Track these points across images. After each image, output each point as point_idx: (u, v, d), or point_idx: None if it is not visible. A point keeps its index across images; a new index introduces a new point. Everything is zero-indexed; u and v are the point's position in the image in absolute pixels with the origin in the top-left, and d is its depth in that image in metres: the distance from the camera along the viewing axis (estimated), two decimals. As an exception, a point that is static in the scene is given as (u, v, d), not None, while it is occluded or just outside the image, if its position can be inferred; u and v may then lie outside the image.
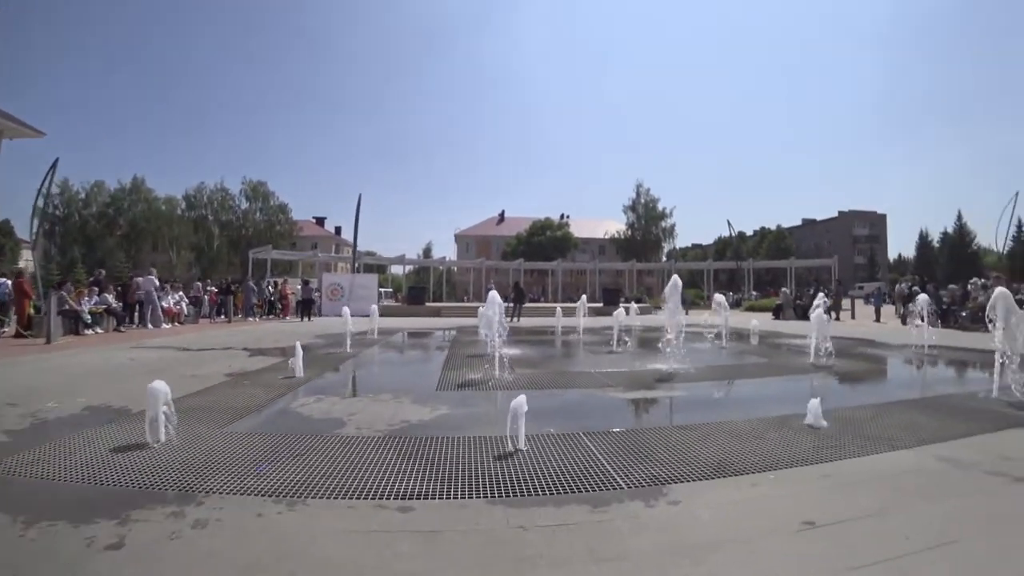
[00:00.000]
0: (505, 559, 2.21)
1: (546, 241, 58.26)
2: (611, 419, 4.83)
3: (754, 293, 41.01)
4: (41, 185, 18.09)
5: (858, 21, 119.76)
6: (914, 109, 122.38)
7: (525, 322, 19.43)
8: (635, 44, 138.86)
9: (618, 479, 3.11)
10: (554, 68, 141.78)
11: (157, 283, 16.30)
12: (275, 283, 24.69)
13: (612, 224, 64.75)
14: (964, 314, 15.69)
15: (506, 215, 73.99)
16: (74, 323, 13.10)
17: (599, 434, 4.10)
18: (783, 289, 28.51)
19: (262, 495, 2.89)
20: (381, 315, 18.28)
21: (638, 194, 61.85)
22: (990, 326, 5.68)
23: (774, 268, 50.13)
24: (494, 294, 7.07)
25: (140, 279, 16.15)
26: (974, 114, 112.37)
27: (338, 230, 71.00)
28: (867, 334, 13.90)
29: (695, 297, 33.19)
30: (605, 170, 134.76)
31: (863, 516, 2.58)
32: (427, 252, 72.81)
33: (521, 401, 3.70)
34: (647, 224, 61.54)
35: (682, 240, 78.01)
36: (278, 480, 3.09)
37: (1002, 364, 5.53)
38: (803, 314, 19.36)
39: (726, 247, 65.89)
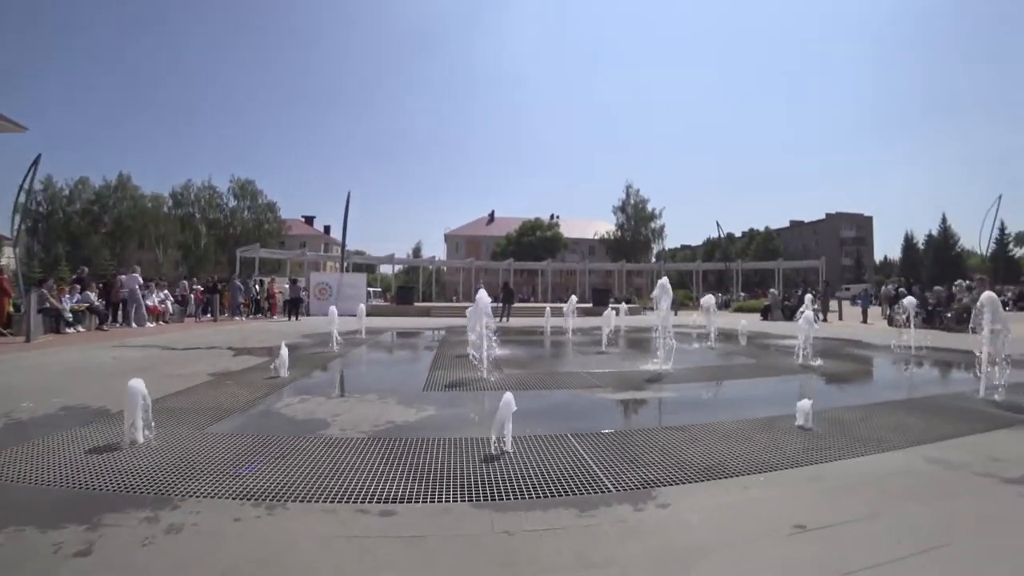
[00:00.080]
0: (490, 565, 2.14)
1: (536, 241, 58.25)
2: (600, 420, 4.78)
3: (742, 294, 41.23)
4: (23, 181, 17.82)
5: (847, 24, 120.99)
6: (902, 113, 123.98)
7: (514, 322, 19.37)
8: (625, 44, 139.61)
9: (606, 482, 3.05)
10: (545, 68, 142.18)
11: (141, 281, 16.07)
12: (261, 282, 24.45)
13: (602, 225, 64.95)
14: (949, 315, 15.82)
15: (496, 215, 73.97)
16: (55, 321, 12.88)
17: (587, 436, 4.04)
18: (771, 290, 28.66)
19: (241, 498, 2.80)
20: (370, 315, 18.17)
21: (628, 195, 62.11)
22: (976, 328, 5.70)
23: (762, 269, 50.49)
24: (482, 293, 6.99)
25: (124, 277, 15.92)
26: (960, 118, 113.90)
27: (327, 229, 70.69)
28: (854, 335, 13.97)
29: (684, 298, 33.29)
30: (595, 171, 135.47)
31: (854, 519, 2.53)
32: (417, 252, 72.76)
33: (509, 402, 3.63)
34: (636, 225, 61.75)
35: (671, 241, 78.65)
36: (258, 483, 3.01)
37: (988, 365, 5.56)
38: (791, 315, 19.45)
39: (715, 248, 66.33)
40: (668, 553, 2.23)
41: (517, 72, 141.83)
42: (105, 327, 14.37)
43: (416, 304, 28.40)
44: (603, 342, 10.68)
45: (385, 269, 51.14)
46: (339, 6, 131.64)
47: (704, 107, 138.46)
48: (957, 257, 63.56)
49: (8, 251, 17.96)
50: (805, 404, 4.34)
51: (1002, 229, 55.24)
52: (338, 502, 2.77)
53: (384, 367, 9.25)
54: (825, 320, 18.75)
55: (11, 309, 12.85)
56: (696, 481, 3.09)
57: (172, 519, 2.53)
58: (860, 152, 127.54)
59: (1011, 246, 62.45)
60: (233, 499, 2.80)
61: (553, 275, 47.06)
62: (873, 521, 2.52)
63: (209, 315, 19.73)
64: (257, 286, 23.38)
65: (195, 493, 2.87)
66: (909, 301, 10.94)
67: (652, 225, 61.95)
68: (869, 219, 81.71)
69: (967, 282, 18.22)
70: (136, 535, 2.37)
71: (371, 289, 35.27)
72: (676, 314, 7.77)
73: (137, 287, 15.65)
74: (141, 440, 3.74)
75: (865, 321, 19.52)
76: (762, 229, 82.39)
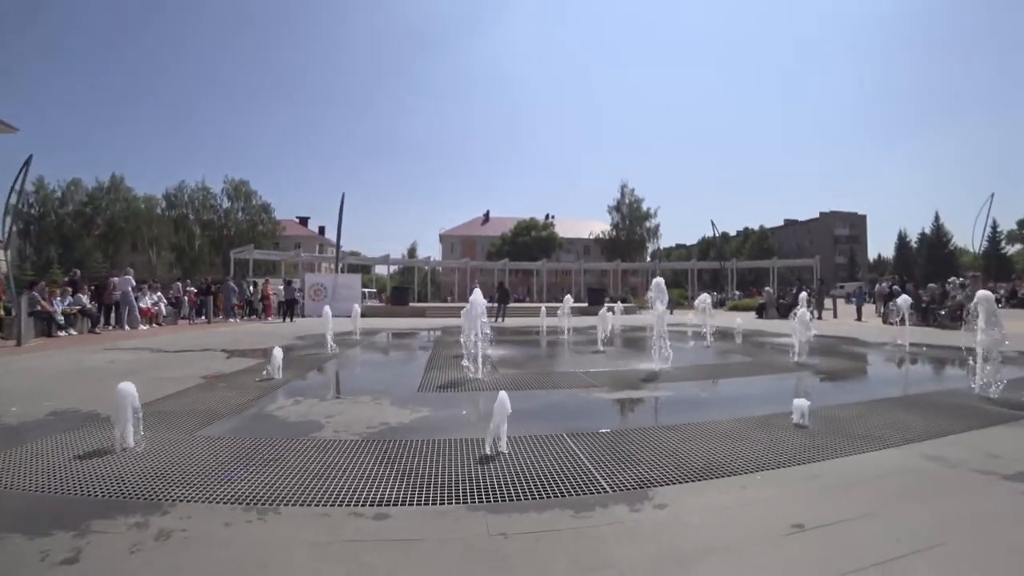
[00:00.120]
0: (484, 570, 2.11)
1: (531, 241, 58.18)
2: (596, 420, 4.74)
3: (737, 293, 41.33)
4: (14, 182, 17.64)
5: (842, 24, 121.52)
6: (895, 112, 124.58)
7: (510, 322, 19.34)
8: (621, 44, 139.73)
9: (603, 482, 3.02)
10: (540, 68, 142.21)
11: (133, 283, 15.94)
12: (254, 283, 24.32)
13: (597, 224, 64.92)
14: (943, 313, 15.87)
15: (491, 215, 73.85)
16: (47, 324, 12.76)
17: (583, 435, 4.01)
18: (766, 288, 28.74)
19: (232, 503, 2.76)
20: (365, 316, 18.07)
21: (623, 194, 62.11)
22: (971, 324, 5.71)
23: (757, 268, 50.56)
24: (477, 294, 6.96)
25: (116, 279, 15.77)
26: (953, 117, 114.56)
27: (322, 230, 70.36)
28: (849, 332, 13.99)
29: (679, 297, 33.37)
30: (590, 170, 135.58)
31: (853, 518, 2.51)
32: (412, 252, 72.50)
33: (504, 402, 3.59)
34: (632, 224, 61.77)
35: (666, 240, 78.63)
36: (249, 487, 2.96)
37: (983, 362, 5.57)
38: (786, 313, 19.49)
39: (710, 247, 66.35)
40: (665, 555, 2.20)
41: (512, 73, 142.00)
42: (97, 330, 14.24)
43: (411, 304, 28.35)
44: (599, 342, 10.64)
45: (380, 270, 51.04)
46: (333, 6, 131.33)
47: (699, 107, 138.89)
48: (950, 255, 63.80)
49: (0, 254, 17.76)
50: (802, 402, 4.33)
51: (994, 227, 55.68)
52: (331, 505, 2.73)
53: (378, 368, 9.20)
54: (820, 318, 18.79)
55: (1, 312, 12.74)
56: (693, 481, 3.07)
57: (161, 525, 2.49)
58: (854, 151, 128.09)
59: (1003, 244, 62.83)
60: (224, 504, 2.76)
61: (548, 275, 47.04)
62: (871, 520, 2.50)
63: (203, 317, 19.60)
64: (251, 287, 23.24)
65: (185, 498, 2.82)
66: (904, 299, 10.97)
67: (647, 224, 62.00)
68: (863, 218, 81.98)
69: (960, 280, 18.31)
70: (124, 542, 2.32)
71: (366, 290, 35.18)
72: (672, 313, 7.75)
73: (130, 289, 15.52)
74: (131, 444, 3.69)
75: (860, 319, 19.55)
76: (757, 228, 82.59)
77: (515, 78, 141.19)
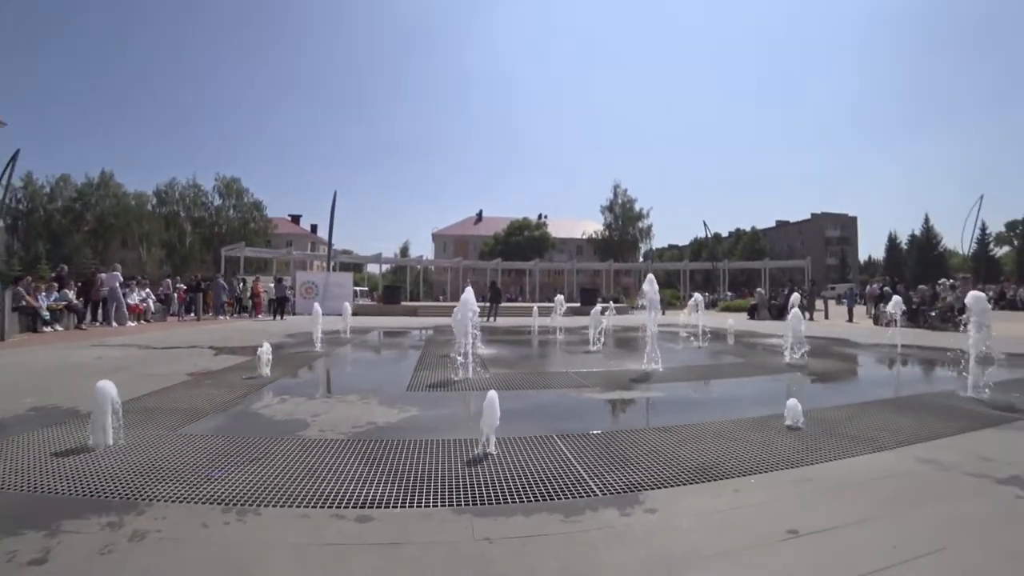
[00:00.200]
0: (468, 575, 2.04)
1: (524, 241, 58.14)
2: (586, 421, 4.68)
3: (729, 294, 41.44)
4: (0, 177, 17.44)
5: (833, 26, 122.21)
6: (886, 114, 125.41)
7: (502, 322, 19.27)
8: (614, 45, 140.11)
9: (592, 485, 2.94)
10: (533, 69, 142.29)
11: (121, 279, 15.75)
12: (243, 280, 24.13)
13: (590, 224, 65.02)
14: (933, 314, 15.94)
15: (484, 215, 73.85)
16: (32, 320, 12.57)
17: (573, 437, 3.93)
18: (758, 289, 28.81)
19: (210, 503, 2.67)
20: (356, 314, 17.99)
21: (615, 195, 62.22)
22: (965, 326, 5.71)
23: (749, 269, 50.77)
24: (468, 292, 6.88)
25: (104, 275, 15.58)
26: (943, 119, 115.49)
27: (314, 228, 70.13)
28: (841, 334, 14.01)
29: (671, 297, 33.42)
30: (583, 171, 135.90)
31: (848, 523, 2.45)
32: (404, 251, 72.38)
33: (493, 402, 3.52)
34: (624, 225, 61.87)
35: (659, 241, 78.86)
36: (230, 487, 2.87)
37: (975, 363, 5.55)
38: (778, 314, 19.54)
39: (702, 248, 66.65)
40: (656, 561, 2.13)
41: (506, 73, 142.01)
42: (84, 326, 14.06)
43: (403, 303, 28.21)
44: (591, 341, 10.60)
45: (372, 268, 50.80)
46: (327, 5, 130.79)
47: (691, 108, 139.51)
48: (940, 257, 64.34)
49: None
50: (794, 404, 4.28)
51: (983, 229, 56.19)
52: (313, 507, 2.65)
53: (368, 367, 9.11)
54: (811, 319, 18.83)
55: (-15, 308, 12.54)
56: (685, 484, 3.00)
57: (136, 525, 2.41)
58: (845, 153, 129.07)
59: (992, 246, 63.41)
60: (203, 504, 2.67)
61: (541, 275, 47.01)
62: (867, 525, 2.44)
63: (192, 314, 19.42)
64: (240, 285, 23.05)
65: (163, 497, 2.74)
66: (896, 300, 10.99)
67: (640, 225, 62.11)
68: (854, 219, 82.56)
69: (951, 281, 18.40)
70: (96, 542, 2.24)
71: (358, 288, 35.02)
72: (664, 313, 7.72)
73: (117, 285, 15.34)
74: (110, 442, 3.59)
75: (851, 320, 19.62)
76: (748, 229, 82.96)
77: (508, 79, 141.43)
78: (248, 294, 22.66)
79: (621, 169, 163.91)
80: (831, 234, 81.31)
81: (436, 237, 71.18)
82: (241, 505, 2.65)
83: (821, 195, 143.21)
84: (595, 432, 4.12)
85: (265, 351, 6.80)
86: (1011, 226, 67.41)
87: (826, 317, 21.53)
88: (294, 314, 21.72)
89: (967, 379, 5.64)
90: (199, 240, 56.38)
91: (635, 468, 3.24)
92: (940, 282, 18.90)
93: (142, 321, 16.54)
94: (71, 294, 14.51)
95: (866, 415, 4.68)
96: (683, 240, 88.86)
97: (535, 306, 17.55)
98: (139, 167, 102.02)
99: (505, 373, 7.33)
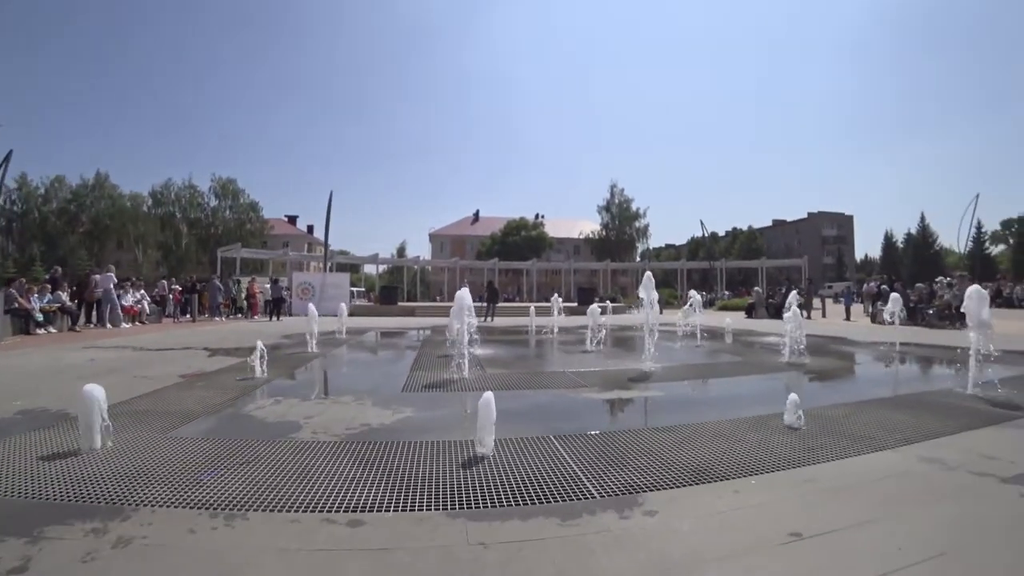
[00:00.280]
0: (461, 582, 1.97)
1: (521, 241, 58.12)
2: (584, 421, 4.62)
3: (726, 292, 41.49)
4: (-7, 178, 17.29)
5: (829, 25, 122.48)
6: (882, 113, 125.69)
7: (499, 322, 19.20)
8: (612, 45, 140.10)
9: (590, 487, 2.88)
10: (531, 69, 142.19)
11: (115, 280, 15.64)
12: (238, 281, 24.01)
13: (587, 224, 65.01)
14: (931, 312, 15.93)
15: (481, 215, 73.78)
16: (25, 322, 12.47)
17: (571, 438, 3.87)
18: (755, 288, 28.80)
19: (198, 508, 2.60)
20: (353, 315, 17.89)
21: (612, 194, 62.24)
22: (965, 321, 5.66)
23: (746, 268, 50.84)
24: (463, 292, 6.81)
25: (98, 276, 15.47)
26: (939, 118, 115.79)
27: (310, 229, 69.90)
28: (838, 332, 13.98)
29: (669, 297, 33.40)
30: (580, 170, 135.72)
31: (852, 525, 2.39)
32: (401, 251, 72.23)
33: (489, 403, 3.46)
34: (621, 224, 61.88)
35: (656, 240, 78.76)
36: (218, 491, 2.80)
37: (976, 361, 5.51)
38: (775, 313, 19.51)
39: (699, 247, 66.58)
40: (656, 566, 2.07)
41: (504, 73, 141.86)
42: (78, 328, 13.96)
43: (400, 304, 28.15)
44: (588, 341, 10.54)
45: (369, 269, 50.66)
46: (326, 5, 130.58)
47: (687, 108, 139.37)
48: (936, 255, 64.36)
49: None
50: (794, 403, 4.22)
51: (979, 228, 56.14)
52: (303, 511, 2.58)
53: (363, 367, 9.03)
54: (809, 317, 18.81)
55: (-23, 310, 12.43)
56: (685, 485, 2.93)
57: (121, 531, 2.34)
58: (841, 152, 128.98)
59: (988, 244, 63.52)
60: (190, 508, 2.61)
61: (538, 275, 46.99)
62: (871, 527, 2.38)
63: (188, 316, 19.31)
64: (235, 286, 22.93)
65: (150, 502, 2.67)
66: (895, 298, 10.95)
67: (636, 224, 62.14)
68: (850, 218, 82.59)
69: (948, 279, 18.39)
70: (79, 549, 2.17)
71: (355, 289, 34.91)
72: (661, 312, 7.66)
73: (111, 287, 15.23)
74: (98, 446, 3.52)
75: (848, 318, 19.61)
76: (745, 228, 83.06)
77: (506, 79, 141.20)
78: (244, 295, 22.53)
79: (618, 169, 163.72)
80: (828, 233, 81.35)
81: (433, 237, 71.07)
82: (229, 510, 2.58)
83: (818, 194, 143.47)
84: (593, 433, 4.05)
85: (259, 352, 6.72)
86: (1007, 224, 67.52)
87: (824, 316, 21.51)
88: (290, 315, 21.62)
89: (967, 376, 5.60)
90: (195, 241, 56.15)
91: (633, 469, 3.18)
92: (937, 280, 18.90)
93: (137, 323, 16.43)
94: (65, 296, 14.41)
95: (866, 414, 4.63)
96: (680, 239, 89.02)
97: (532, 306, 17.49)
98: (136, 168, 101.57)
99: (502, 373, 7.26)
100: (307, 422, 4.40)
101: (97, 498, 2.73)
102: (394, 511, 2.59)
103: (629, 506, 2.65)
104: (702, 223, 46.11)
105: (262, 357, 6.69)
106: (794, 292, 11.79)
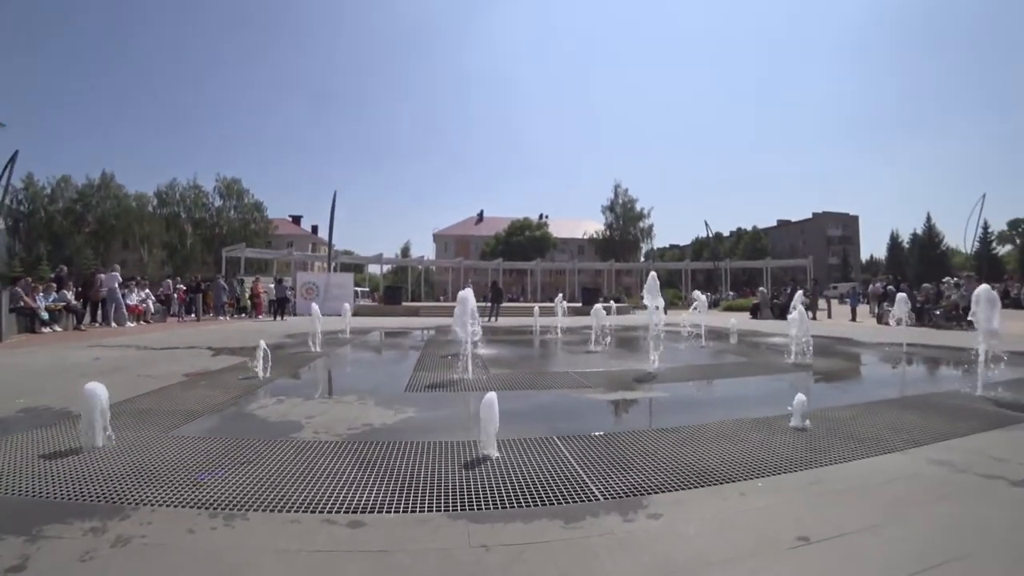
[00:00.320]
0: (462, 585, 1.94)
1: (525, 241, 58.09)
2: (588, 422, 4.58)
3: (731, 293, 41.35)
4: (0, 178, 17.37)
5: (834, 24, 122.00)
6: (887, 113, 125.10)
7: (503, 322, 19.17)
8: (615, 44, 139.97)
9: (594, 489, 2.84)
10: (534, 69, 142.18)
11: (120, 279, 15.68)
12: (241, 281, 24.07)
13: (591, 224, 64.98)
14: (938, 312, 15.82)
15: (485, 215, 73.82)
16: (30, 321, 12.51)
17: (575, 438, 3.83)
18: (760, 288, 28.68)
19: (198, 508, 2.58)
20: (357, 315, 17.91)
21: (616, 195, 62.19)
22: (972, 320, 5.60)
23: (750, 268, 50.66)
24: (466, 291, 6.78)
25: (103, 275, 15.52)
26: (945, 118, 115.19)
27: (315, 229, 70.10)
28: (844, 333, 13.90)
29: (673, 297, 33.31)
30: (584, 171, 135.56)
31: (861, 529, 2.34)
32: (405, 252, 72.38)
33: (491, 403, 3.42)
34: (625, 224, 61.83)
35: (660, 240, 78.68)
36: (218, 491, 2.78)
37: (985, 362, 5.44)
38: (780, 313, 19.42)
39: (703, 248, 66.50)
40: (660, 569, 2.03)
41: (507, 73, 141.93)
42: (83, 327, 14.00)
43: (404, 304, 28.14)
44: (592, 341, 10.49)
45: (373, 269, 50.80)
46: (328, 5, 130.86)
47: (692, 107, 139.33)
48: (942, 256, 64.08)
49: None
50: (801, 404, 4.17)
51: (986, 228, 55.81)
52: (303, 512, 2.55)
53: (366, 367, 9.02)
54: (814, 318, 18.72)
55: (-17, 309, 12.48)
56: (690, 487, 2.89)
57: (120, 530, 2.32)
58: (846, 152, 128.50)
59: (994, 245, 63.15)
60: (190, 508, 2.58)
61: (542, 275, 46.89)
62: (881, 531, 2.33)
63: (192, 315, 19.35)
64: (239, 286, 22.98)
65: (150, 501, 2.65)
66: (902, 298, 10.85)
67: (641, 224, 62.08)
68: (855, 218, 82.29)
69: (955, 279, 18.26)
70: (77, 548, 2.15)
71: (359, 289, 34.96)
72: (666, 313, 7.61)
73: (116, 286, 15.27)
74: (99, 444, 3.50)
75: (854, 319, 19.51)
76: (750, 228, 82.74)
77: (509, 78, 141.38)
78: (247, 295, 22.57)
79: (622, 169, 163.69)
80: (833, 233, 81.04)
81: (437, 237, 71.14)
82: (229, 510, 2.56)
83: (822, 194, 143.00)
84: (597, 434, 4.01)
85: (262, 351, 6.71)
86: (1014, 224, 67.22)
87: (829, 316, 21.41)
88: (295, 315, 21.65)
89: (975, 378, 5.54)
90: (200, 241, 56.36)
91: (638, 471, 3.14)
92: (944, 280, 18.77)
93: (142, 322, 16.49)
94: (70, 295, 14.45)
95: (874, 415, 4.57)
96: (684, 240, 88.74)
97: (536, 306, 17.46)
98: (139, 168, 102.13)
99: (505, 373, 7.23)
100: (309, 422, 4.38)
101: (97, 497, 2.71)
102: (395, 512, 2.56)
103: (633, 508, 2.61)
104: (706, 223, 45.87)
105: (265, 356, 6.68)
106: (799, 292, 11.71)
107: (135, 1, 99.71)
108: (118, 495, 2.72)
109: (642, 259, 59.86)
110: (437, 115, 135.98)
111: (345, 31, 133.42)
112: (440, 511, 2.57)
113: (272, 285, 22.67)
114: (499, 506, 2.64)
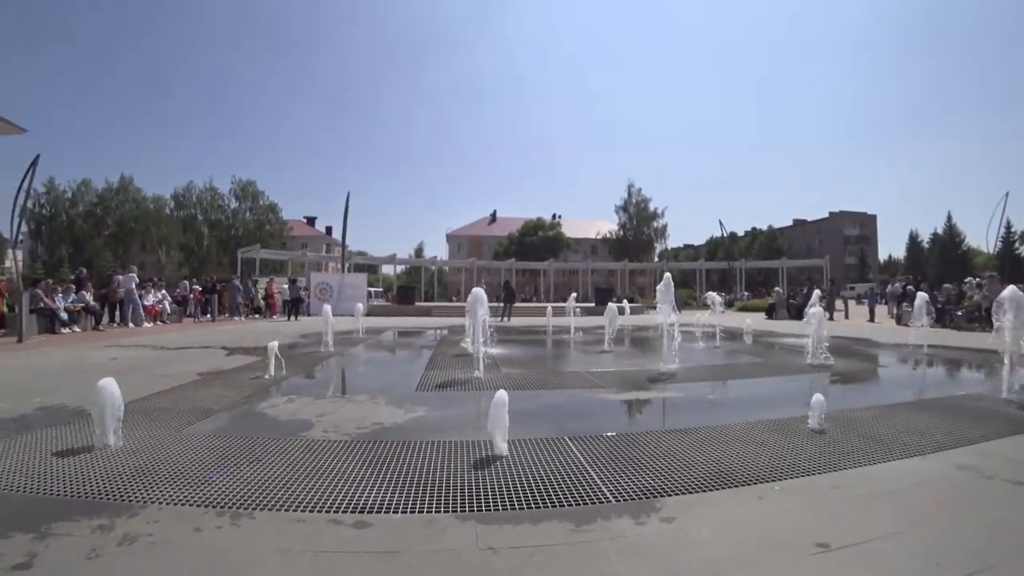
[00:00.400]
0: (468, 589, 1.89)
1: (538, 241, 57.95)
2: (600, 423, 4.51)
3: (746, 293, 40.92)
4: (22, 182, 17.60)
5: (851, 22, 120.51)
6: (905, 110, 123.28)
7: (515, 322, 19.11)
8: (628, 44, 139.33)
9: (606, 491, 2.78)
10: (546, 69, 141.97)
11: (137, 280, 15.87)
12: (255, 281, 24.24)
13: (604, 224, 64.66)
14: (959, 313, 15.50)
15: (498, 215, 73.79)
16: (50, 322, 12.69)
17: (586, 439, 3.76)
18: (776, 289, 28.38)
19: (205, 506, 2.57)
20: (371, 315, 17.96)
21: (630, 194, 61.79)
22: (996, 323, 5.44)
23: (766, 268, 50.15)
24: (478, 290, 6.74)
25: (120, 277, 15.72)
26: (965, 115, 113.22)
27: (328, 230, 70.51)
28: (863, 333, 13.67)
29: (687, 297, 33.08)
30: (597, 170, 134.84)
31: (883, 536, 2.25)
32: (419, 252, 72.58)
33: (502, 403, 3.37)
34: (639, 224, 61.44)
35: (674, 240, 78.11)
36: (227, 489, 2.77)
37: (1011, 365, 5.29)
38: (796, 314, 19.17)
39: (718, 247, 65.80)
40: (673, 575, 1.97)
41: (519, 73, 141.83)
42: (101, 327, 14.18)
43: (417, 304, 28.18)
44: (605, 341, 10.41)
45: (387, 269, 50.98)
46: (341, 9, 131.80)
47: (706, 106, 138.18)
48: (963, 256, 62.84)
49: (11, 253, 17.79)
50: (819, 405, 4.07)
51: (1008, 227, 54.70)
52: (310, 511, 2.52)
53: (378, 367, 9.01)
54: (831, 319, 18.45)
55: (4, 309, 12.69)
56: (704, 490, 2.82)
57: (127, 528, 2.31)
58: (863, 150, 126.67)
59: (1018, 244, 61.79)
60: (197, 506, 2.57)
61: (555, 275, 46.76)
62: (905, 538, 2.24)
63: (208, 315, 19.53)
64: (254, 287, 23.16)
65: (158, 499, 2.65)
66: (922, 298, 10.63)
67: (654, 224, 61.61)
68: (873, 217, 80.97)
69: (977, 280, 17.88)
70: (84, 546, 2.15)
71: (372, 289, 35.11)
72: (680, 313, 7.51)
73: (133, 287, 15.45)
74: (111, 442, 3.51)
75: (872, 320, 19.20)
76: (765, 228, 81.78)
77: (522, 79, 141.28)
78: (261, 295, 22.74)
79: (635, 169, 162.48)
80: (850, 233, 79.83)
81: (450, 238, 71.25)
82: (236, 508, 2.54)
83: (839, 193, 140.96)
84: (609, 434, 3.94)
85: (275, 351, 6.73)
86: (1037, 224, 65.77)
87: (847, 317, 21.10)
88: (308, 315, 21.77)
89: (1001, 380, 5.38)
90: (216, 243, 56.91)
91: (651, 473, 3.07)
92: (966, 281, 18.38)
93: (158, 322, 16.66)
94: (89, 296, 14.64)
95: (895, 418, 4.45)
96: (699, 239, 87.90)
97: (549, 306, 17.39)
98: (157, 171, 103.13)
99: (517, 373, 7.18)
100: (319, 421, 4.36)
101: (106, 495, 2.72)
102: (402, 513, 2.52)
103: (646, 512, 2.54)
104: (721, 223, 45.32)
105: (278, 356, 6.69)
106: (816, 292, 11.53)
107: (153, 9, 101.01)
108: (126, 493, 2.72)
109: (656, 259, 59.46)
110: (451, 120, 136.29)
111: (360, 34, 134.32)
112: (448, 512, 2.53)
113: (286, 286, 22.82)
114: (508, 507, 2.59)
